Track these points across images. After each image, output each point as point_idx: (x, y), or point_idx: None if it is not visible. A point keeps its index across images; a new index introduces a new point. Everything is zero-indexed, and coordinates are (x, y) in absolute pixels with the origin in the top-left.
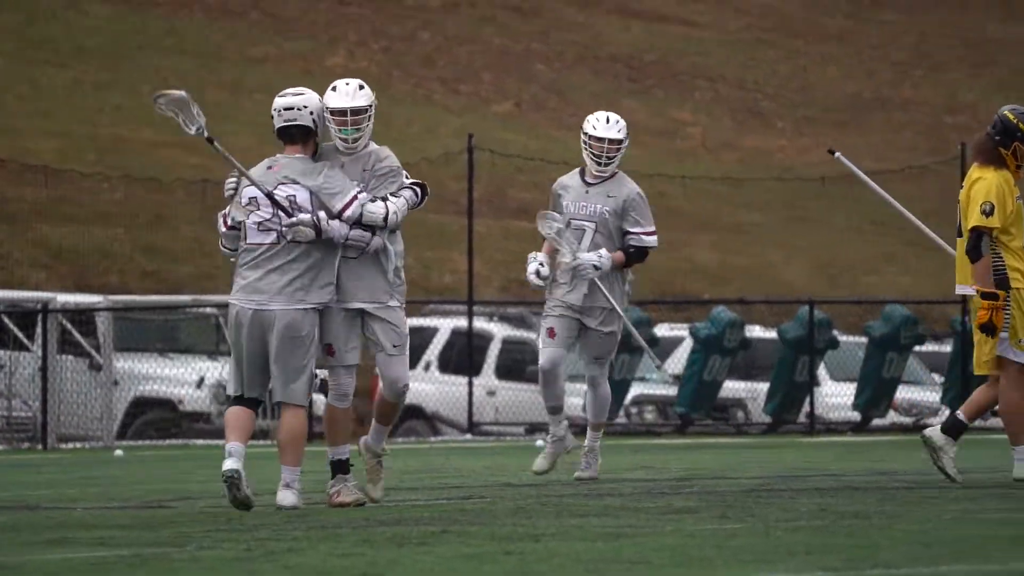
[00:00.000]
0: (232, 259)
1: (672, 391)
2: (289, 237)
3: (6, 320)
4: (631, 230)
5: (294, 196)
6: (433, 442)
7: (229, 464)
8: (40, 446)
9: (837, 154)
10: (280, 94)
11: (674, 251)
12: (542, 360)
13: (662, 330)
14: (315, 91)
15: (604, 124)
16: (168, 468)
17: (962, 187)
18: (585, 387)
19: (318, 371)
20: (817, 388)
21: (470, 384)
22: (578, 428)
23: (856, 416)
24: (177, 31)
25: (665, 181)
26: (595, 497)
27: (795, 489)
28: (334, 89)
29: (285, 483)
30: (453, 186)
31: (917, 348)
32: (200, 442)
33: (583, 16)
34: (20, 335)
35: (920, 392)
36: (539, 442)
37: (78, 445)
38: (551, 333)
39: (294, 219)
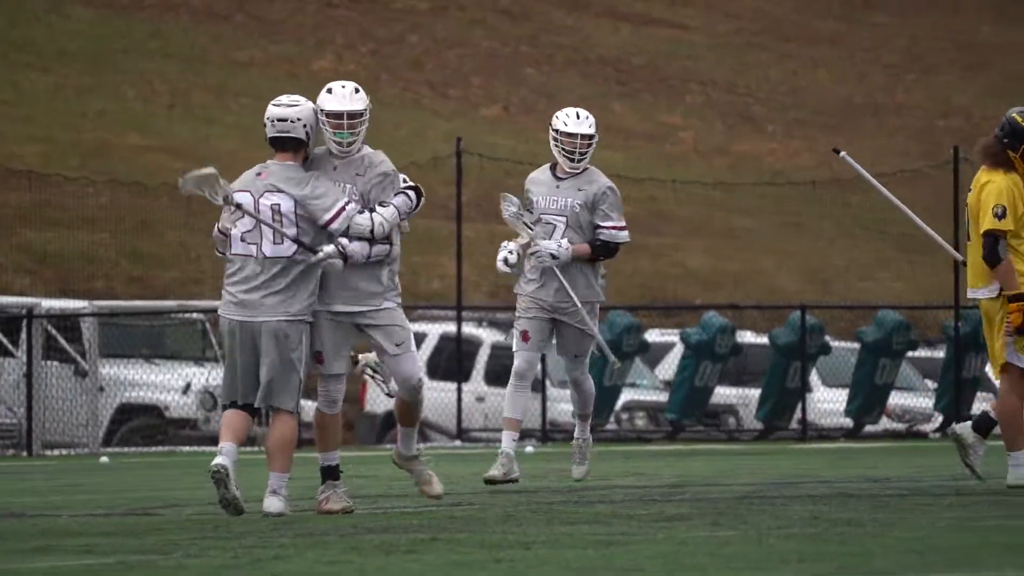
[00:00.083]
0: (227, 262)
1: (663, 397)
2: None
3: None
4: (601, 224)
5: (279, 205)
6: (422, 449)
7: (217, 460)
8: (25, 453)
9: (842, 153)
10: (275, 102)
11: (665, 256)
12: (518, 362)
13: (652, 335)
14: (303, 95)
15: (575, 120)
16: (154, 475)
17: (970, 190)
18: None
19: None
20: (809, 394)
21: (459, 390)
22: (567, 434)
23: (849, 422)
24: (162, 34)
25: (656, 186)
26: (586, 504)
27: (787, 496)
28: (329, 91)
29: (272, 489)
30: (441, 190)
31: (910, 354)
32: (186, 449)
33: (572, 19)
34: (5, 341)
35: (913, 398)
36: (528, 448)
37: (63, 452)
38: (525, 337)
39: (320, 255)
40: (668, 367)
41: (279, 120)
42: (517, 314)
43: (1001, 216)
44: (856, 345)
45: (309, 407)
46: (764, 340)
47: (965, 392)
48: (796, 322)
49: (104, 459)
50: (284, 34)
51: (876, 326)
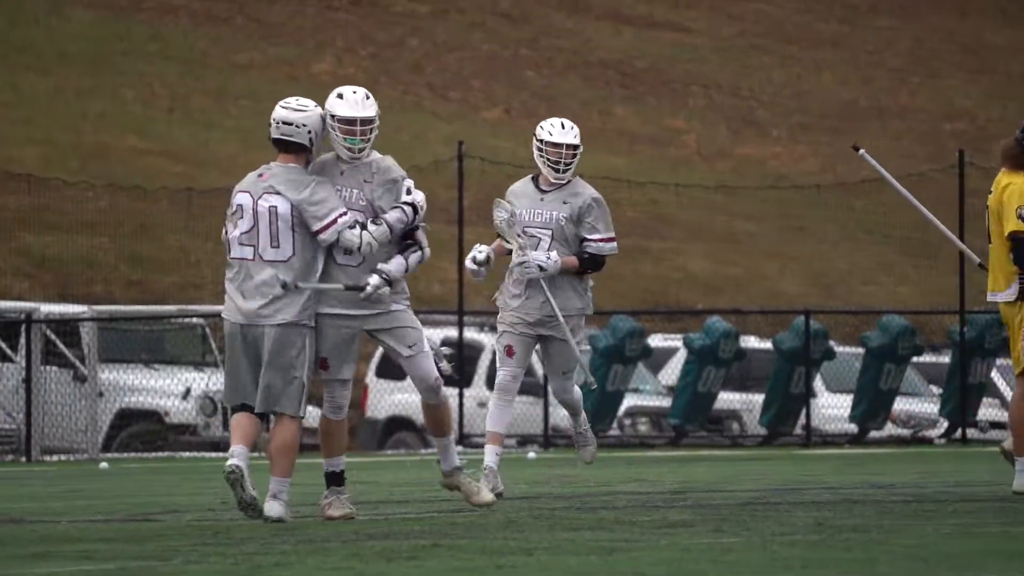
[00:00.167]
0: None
1: (666, 403)
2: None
3: None
4: (588, 237)
5: (276, 208)
6: (423, 454)
7: (230, 461)
8: (24, 458)
9: (861, 151)
10: (283, 103)
11: (667, 260)
12: (503, 376)
13: (655, 340)
14: (301, 96)
15: (560, 130)
16: (154, 481)
17: (990, 193)
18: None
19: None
20: (813, 400)
21: (460, 395)
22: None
23: (853, 428)
24: (161, 37)
25: (658, 189)
26: (588, 510)
27: (791, 502)
28: (340, 97)
29: (273, 494)
30: (443, 194)
31: (915, 359)
32: (186, 454)
33: (573, 22)
34: (3, 346)
35: (918, 404)
36: (530, 454)
37: (63, 457)
38: (509, 352)
39: (368, 291)
40: (671, 372)
41: (284, 123)
42: (501, 328)
43: None
44: (861, 350)
45: (311, 412)
46: (768, 345)
47: (971, 398)
48: (800, 327)
49: (103, 465)
50: (284, 37)
51: (881, 331)
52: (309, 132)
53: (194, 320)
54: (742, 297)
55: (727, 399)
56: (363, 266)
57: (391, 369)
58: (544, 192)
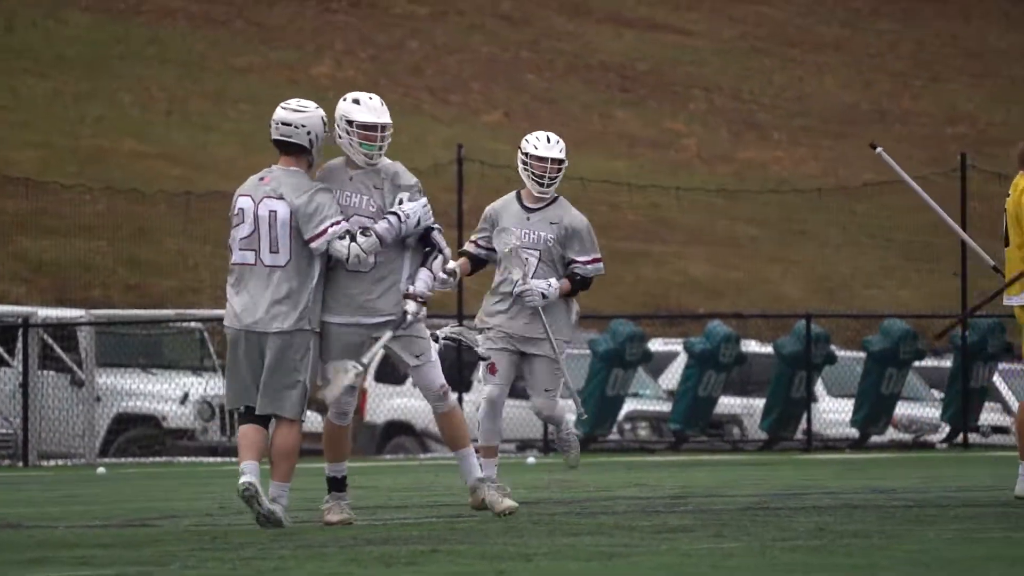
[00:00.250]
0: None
1: (666, 407)
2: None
3: None
4: (576, 259)
5: (275, 212)
6: (422, 459)
7: (243, 479)
8: (21, 463)
9: (879, 149)
10: (283, 104)
11: (668, 264)
12: (490, 392)
13: (656, 344)
14: (300, 98)
15: (546, 144)
16: (152, 486)
17: (1008, 195)
18: (570, 403)
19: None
20: (814, 404)
21: (459, 400)
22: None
23: (854, 433)
24: (159, 40)
25: (659, 192)
26: (588, 515)
27: (792, 507)
28: (357, 103)
29: (272, 498)
30: (442, 197)
31: (916, 363)
32: (184, 459)
33: (573, 25)
34: (1, 350)
35: (920, 408)
36: (530, 459)
37: (60, 462)
38: (492, 370)
39: (409, 319)
40: (671, 377)
41: (283, 124)
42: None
43: None
44: (862, 354)
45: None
46: (769, 349)
47: (972, 402)
48: (801, 331)
49: (101, 469)
50: (283, 40)
51: (882, 335)
52: (309, 133)
53: (192, 324)
54: (743, 301)
55: (728, 403)
56: (373, 273)
57: (390, 373)
58: (531, 211)
